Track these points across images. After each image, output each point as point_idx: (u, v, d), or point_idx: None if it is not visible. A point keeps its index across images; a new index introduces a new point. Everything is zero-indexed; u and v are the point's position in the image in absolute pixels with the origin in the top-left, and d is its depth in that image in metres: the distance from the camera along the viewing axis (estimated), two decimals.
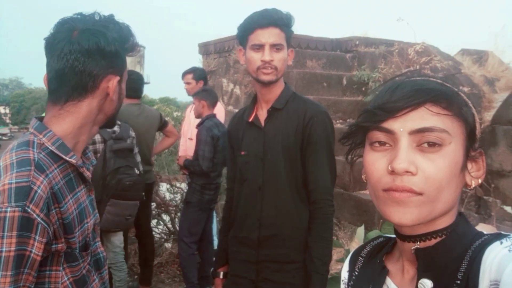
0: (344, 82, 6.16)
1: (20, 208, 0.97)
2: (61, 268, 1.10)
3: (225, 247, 2.13)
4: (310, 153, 1.90)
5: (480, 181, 0.78)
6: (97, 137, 3.14)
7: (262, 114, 2.00)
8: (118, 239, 3.58)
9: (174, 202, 5.36)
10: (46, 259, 1.08)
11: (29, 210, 0.98)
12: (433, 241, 0.77)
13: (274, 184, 1.92)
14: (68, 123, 1.16)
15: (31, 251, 0.98)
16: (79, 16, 1.18)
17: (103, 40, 1.15)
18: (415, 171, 0.72)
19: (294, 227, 1.91)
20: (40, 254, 1.00)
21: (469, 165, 0.78)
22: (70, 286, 1.13)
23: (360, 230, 2.05)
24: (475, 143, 0.78)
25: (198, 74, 4.57)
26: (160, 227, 5.45)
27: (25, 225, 0.97)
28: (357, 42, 6.54)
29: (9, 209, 0.96)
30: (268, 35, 1.85)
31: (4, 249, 0.95)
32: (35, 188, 1.01)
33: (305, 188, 1.92)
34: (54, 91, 1.16)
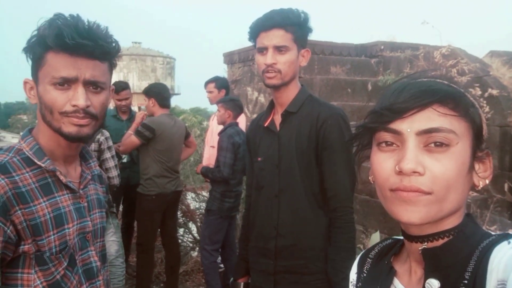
0: (369, 87, 6.08)
1: None
2: (33, 271, 1.13)
3: (244, 256, 2.08)
4: (326, 158, 1.82)
5: (487, 181, 0.78)
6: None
7: (277, 118, 1.94)
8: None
9: (199, 210, 5.41)
10: (17, 261, 1.12)
11: None
12: (440, 242, 0.77)
13: (290, 191, 1.85)
14: (39, 127, 1.22)
15: None
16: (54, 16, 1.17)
17: (29, 41, 1.16)
18: (423, 171, 0.72)
19: (312, 236, 1.84)
20: None
21: (476, 166, 0.78)
22: None
23: (375, 236, 2.02)
24: (482, 144, 0.78)
25: (220, 83, 4.63)
26: (187, 235, 5.50)
27: None
28: (382, 47, 6.46)
29: None
30: (271, 38, 1.80)
31: None
32: None
33: (323, 195, 1.85)
34: None
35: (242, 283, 2.11)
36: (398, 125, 0.75)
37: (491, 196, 3.58)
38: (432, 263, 0.77)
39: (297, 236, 1.85)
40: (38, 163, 1.17)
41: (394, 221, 3.08)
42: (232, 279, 2.20)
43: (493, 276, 0.69)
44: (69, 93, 1.14)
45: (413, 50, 6.11)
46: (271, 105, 1.99)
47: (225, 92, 4.61)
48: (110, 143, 3.43)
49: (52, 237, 1.15)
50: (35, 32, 1.14)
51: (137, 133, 3.83)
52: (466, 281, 0.72)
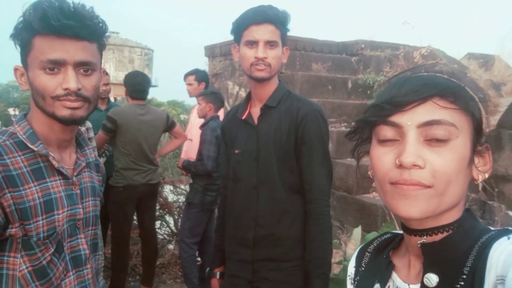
0: (350, 85, 6.13)
1: None
2: (19, 256, 1.12)
3: (221, 247, 2.12)
4: (304, 152, 1.87)
5: (486, 175, 0.78)
6: None
7: (255, 111, 1.97)
8: None
9: (177, 203, 5.37)
10: (4, 245, 1.12)
11: None
12: (440, 236, 0.77)
13: (268, 183, 1.89)
14: (32, 113, 1.21)
15: None
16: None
17: (16, 24, 1.14)
18: (423, 164, 0.72)
19: (290, 226, 1.89)
20: None
21: (476, 160, 0.78)
22: (29, 275, 1.13)
23: (357, 231, 2.04)
24: (481, 137, 0.78)
25: (200, 76, 4.59)
26: (164, 228, 5.46)
27: None
28: (363, 46, 6.52)
29: None
30: (263, 32, 1.82)
31: None
32: None
33: (300, 187, 1.90)
34: None
35: (218, 273, 2.15)
36: (399, 118, 0.75)
37: (466, 195, 3.66)
38: (431, 258, 0.77)
39: (275, 227, 1.89)
40: (31, 147, 1.16)
41: (370, 217, 3.14)
42: (208, 269, 2.22)
43: (492, 272, 0.69)
44: (59, 76, 1.13)
45: (393, 50, 6.19)
46: (248, 98, 2.03)
47: (205, 85, 4.58)
48: (91, 134, 3.37)
49: (41, 222, 1.14)
50: (21, 18, 1.12)
51: (102, 126, 3.75)
52: (465, 276, 0.72)
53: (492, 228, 0.77)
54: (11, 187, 1.09)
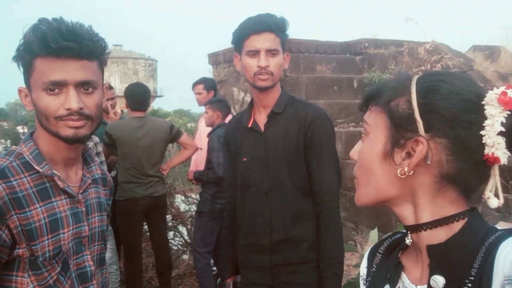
0: (355, 85, 6.11)
1: None
2: (26, 275, 1.15)
3: (232, 256, 2.11)
4: (313, 155, 1.89)
5: (406, 169, 0.77)
6: None
7: (260, 119, 1.99)
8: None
9: (189, 213, 5.36)
10: (12, 264, 1.14)
11: None
12: (442, 236, 0.77)
13: (280, 188, 1.91)
14: (38, 132, 1.23)
15: None
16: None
17: (18, 46, 1.16)
18: (356, 158, 0.87)
19: (305, 228, 1.90)
20: None
21: (398, 154, 0.79)
22: None
23: (373, 233, 2.02)
24: (406, 132, 0.78)
25: (208, 84, 4.59)
26: (177, 239, 5.45)
27: None
28: (366, 44, 6.50)
29: None
30: (263, 41, 1.84)
31: None
32: None
33: (311, 189, 1.92)
34: None
35: (231, 283, 2.15)
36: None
37: (478, 191, 3.61)
38: (437, 259, 0.77)
39: (290, 230, 1.91)
40: (37, 168, 1.18)
41: (385, 217, 3.11)
42: (219, 279, 2.22)
43: (499, 272, 0.68)
44: (61, 97, 1.14)
45: (397, 47, 6.17)
46: (251, 106, 2.04)
47: (214, 93, 4.58)
48: (100, 148, 3.37)
49: (46, 242, 1.16)
50: (22, 40, 1.14)
51: (102, 141, 3.74)
52: (472, 278, 0.72)
53: (499, 228, 0.76)
54: (17, 208, 1.11)
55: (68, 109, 1.13)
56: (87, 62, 1.16)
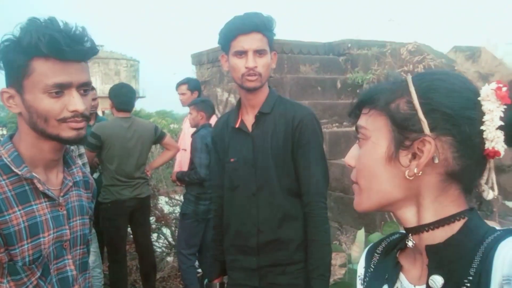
0: (339, 85, 6.14)
1: None
2: (5, 281, 1.12)
3: (219, 257, 2.10)
4: (301, 156, 1.88)
5: (415, 170, 0.77)
6: None
7: (248, 119, 1.97)
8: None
9: (173, 215, 5.32)
10: None
11: None
12: (442, 236, 0.77)
13: (268, 189, 1.89)
14: (19, 134, 1.21)
15: None
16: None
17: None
18: (354, 164, 0.85)
19: (292, 229, 1.90)
20: None
21: (404, 156, 0.78)
22: None
23: (361, 233, 2.02)
24: (409, 133, 0.77)
25: (192, 85, 4.56)
26: (161, 241, 5.40)
27: None
28: (349, 45, 6.53)
29: None
30: (251, 41, 1.82)
31: None
32: None
33: (298, 190, 1.91)
34: None
35: (217, 284, 2.14)
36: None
37: None
38: (436, 259, 0.77)
39: (278, 231, 1.90)
40: (15, 170, 1.15)
41: (369, 217, 3.12)
42: (206, 280, 2.20)
43: (498, 272, 0.68)
44: (64, 99, 1.14)
45: (379, 47, 6.21)
46: (238, 106, 2.02)
47: (198, 93, 4.56)
48: (82, 150, 3.32)
49: (26, 246, 1.13)
50: (7, 38, 1.11)
51: (86, 144, 3.64)
52: (470, 277, 0.72)
53: (497, 228, 0.77)
54: None
55: (73, 111, 1.14)
56: (84, 64, 1.18)
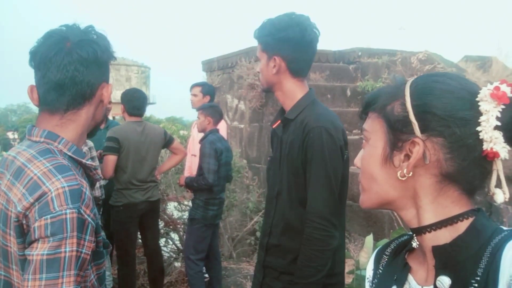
0: (348, 93, 6.15)
1: (76, 210, 1.04)
2: (89, 267, 1.16)
3: None
4: (308, 171, 1.80)
5: (405, 170, 0.79)
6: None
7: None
8: None
9: (182, 220, 5.33)
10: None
11: (82, 211, 1.05)
12: (446, 237, 0.78)
13: (284, 196, 1.89)
14: (72, 130, 1.22)
15: (81, 252, 1.05)
16: (64, 28, 1.22)
17: (99, 50, 1.21)
18: (359, 165, 0.90)
19: (293, 240, 1.86)
20: (89, 253, 1.07)
21: (397, 157, 0.80)
22: (96, 283, 1.19)
23: (369, 239, 2.01)
24: (402, 134, 0.79)
25: (206, 89, 4.59)
26: (169, 246, 5.42)
27: (80, 226, 1.04)
28: (360, 53, 6.55)
29: (68, 211, 1.03)
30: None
31: (67, 249, 1.01)
32: (84, 190, 1.09)
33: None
34: (52, 101, 1.20)
35: None
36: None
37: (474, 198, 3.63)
38: (443, 260, 0.77)
39: (283, 239, 1.91)
40: (83, 161, 1.20)
41: (377, 225, 3.09)
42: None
43: (506, 272, 0.68)
44: None
45: (390, 56, 6.22)
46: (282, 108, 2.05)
47: (209, 98, 4.57)
48: (94, 153, 3.36)
49: (102, 234, 1.22)
50: (100, 43, 1.24)
51: (106, 149, 3.70)
52: (478, 278, 0.72)
53: (504, 228, 0.77)
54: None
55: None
56: None
